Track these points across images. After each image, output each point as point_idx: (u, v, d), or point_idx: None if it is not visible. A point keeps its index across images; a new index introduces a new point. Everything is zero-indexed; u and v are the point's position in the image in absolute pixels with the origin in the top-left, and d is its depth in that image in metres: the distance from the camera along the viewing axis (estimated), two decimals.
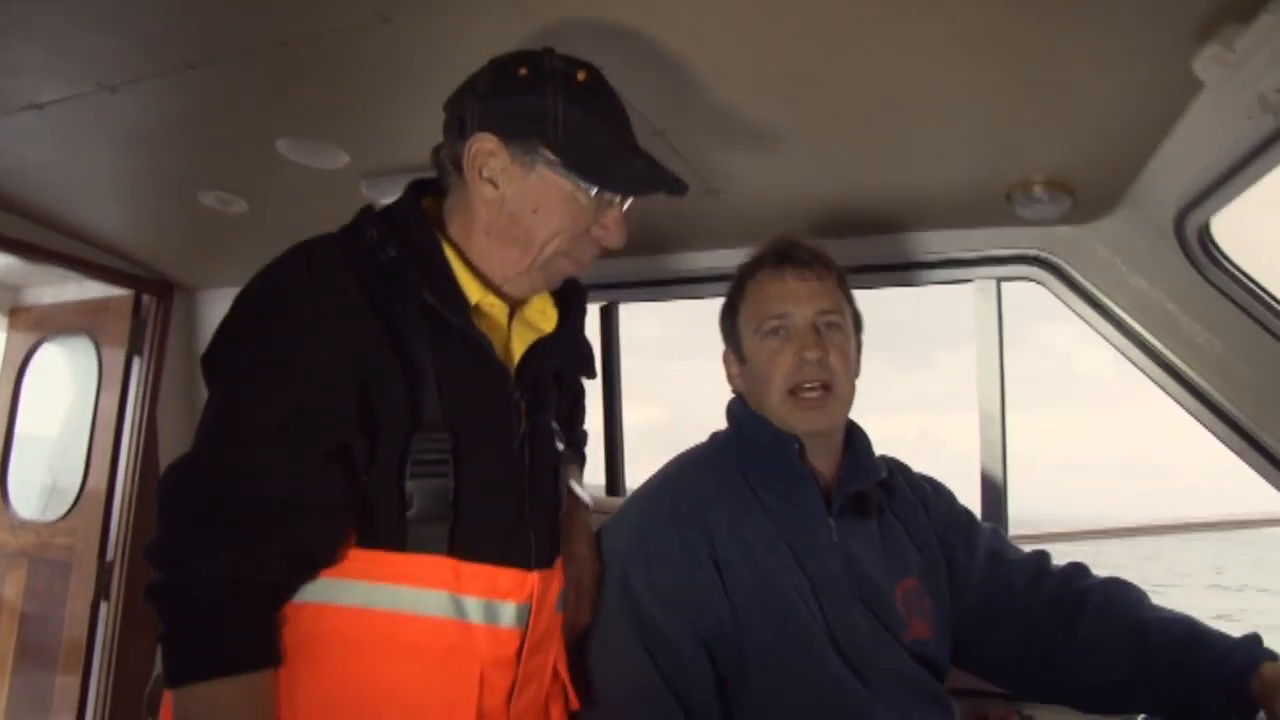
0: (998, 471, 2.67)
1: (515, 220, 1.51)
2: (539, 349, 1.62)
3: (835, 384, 1.85)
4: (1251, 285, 2.15)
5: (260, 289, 1.43)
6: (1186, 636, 1.80)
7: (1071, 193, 2.22)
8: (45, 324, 4.19)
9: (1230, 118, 1.66)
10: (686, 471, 1.97)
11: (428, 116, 1.67)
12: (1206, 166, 1.86)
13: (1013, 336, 2.70)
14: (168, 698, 1.35)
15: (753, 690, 1.74)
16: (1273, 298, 2.14)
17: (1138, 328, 2.42)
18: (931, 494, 2.11)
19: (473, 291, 1.52)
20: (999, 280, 2.64)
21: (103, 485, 3.77)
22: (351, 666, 1.38)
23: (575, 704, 1.69)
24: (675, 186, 1.57)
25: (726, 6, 1.63)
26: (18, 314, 4.29)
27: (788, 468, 1.87)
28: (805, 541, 1.84)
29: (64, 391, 4.21)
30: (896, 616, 1.86)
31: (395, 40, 1.82)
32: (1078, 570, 1.98)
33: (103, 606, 3.66)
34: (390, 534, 1.41)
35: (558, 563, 1.66)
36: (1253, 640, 1.75)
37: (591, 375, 1.83)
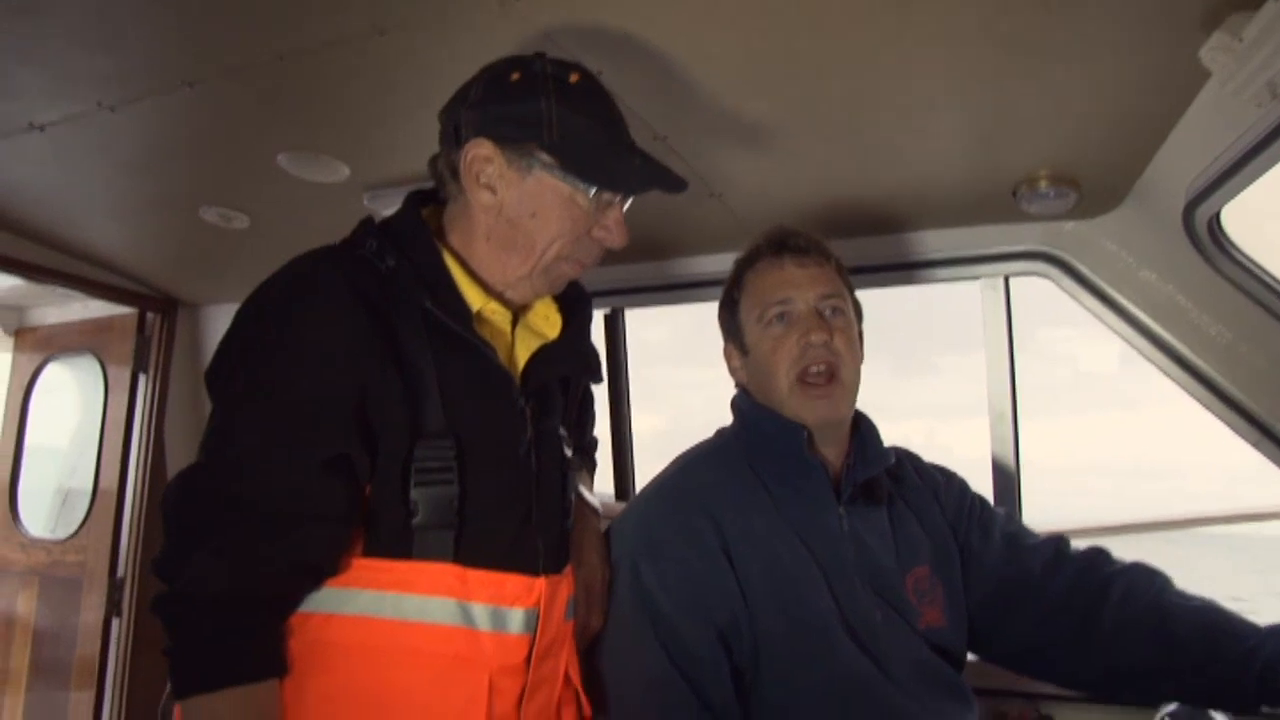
0: (1010, 469, 2.66)
1: (515, 225, 1.52)
2: (543, 355, 1.62)
3: (841, 368, 1.85)
4: (1263, 276, 2.13)
5: (258, 303, 1.43)
6: (1214, 624, 1.78)
7: (1078, 187, 2.20)
8: (51, 344, 4.20)
9: (1238, 106, 1.64)
10: (694, 466, 1.96)
11: (427, 127, 1.66)
12: (1215, 157, 1.85)
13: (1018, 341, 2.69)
14: (178, 711, 1.36)
15: (769, 681, 1.73)
16: None
17: (1148, 321, 2.41)
18: (943, 482, 2.10)
19: (474, 299, 1.52)
20: (1006, 277, 2.63)
21: (112, 502, 3.78)
22: (359, 675, 1.38)
23: (588, 710, 1.69)
24: (673, 183, 1.57)
25: (723, 9, 1.62)
26: (23, 334, 4.30)
27: (796, 458, 1.86)
28: (815, 531, 1.83)
29: (71, 410, 4.21)
30: (908, 605, 1.85)
31: (391, 52, 1.81)
32: (1099, 555, 1.96)
33: (115, 623, 3.67)
34: (395, 542, 1.41)
35: (567, 569, 1.65)
36: None
37: (598, 380, 1.83)
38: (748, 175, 2.31)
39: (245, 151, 2.35)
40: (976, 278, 2.65)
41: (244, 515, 1.31)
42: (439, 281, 1.49)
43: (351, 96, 2.02)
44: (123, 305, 3.79)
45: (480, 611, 1.44)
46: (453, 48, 1.78)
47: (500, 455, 1.51)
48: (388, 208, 2.49)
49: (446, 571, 1.42)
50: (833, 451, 1.91)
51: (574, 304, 1.71)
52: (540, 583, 1.51)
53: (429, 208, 1.63)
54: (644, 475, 3.19)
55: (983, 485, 2.63)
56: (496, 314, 1.57)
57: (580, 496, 1.83)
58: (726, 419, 2.05)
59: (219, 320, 3.83)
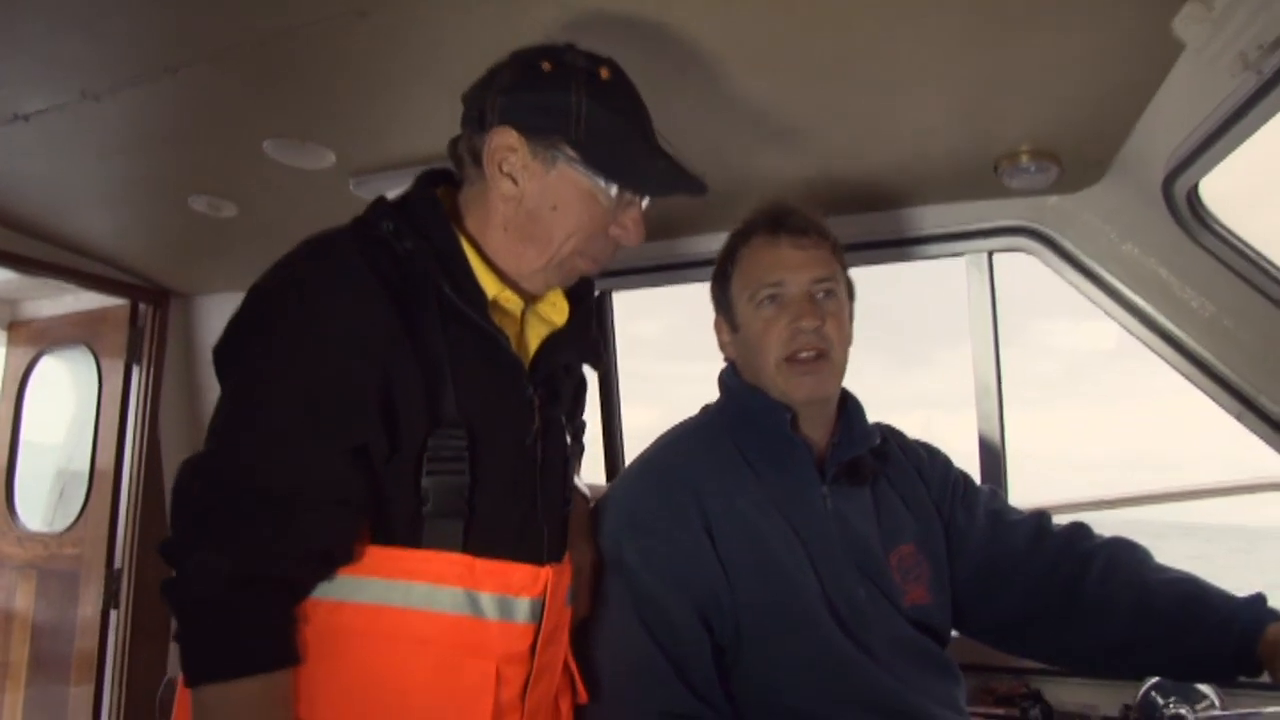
0: (996, 445, 2.67)
1: (534, 217, 1.50)
2: (552, 343, 1.61)
3: (831, 351, 1.85)
4: (1242, 247, 2.14)
5: (275, 283, 1.41)
6: (1192, 597, 1.80)
7: (1058, 161, 2.21)
8: (44, 337, 4.22)
9: (1213, 77, 1.66)
10: (678, 443, 1.97)
11: (413, 111, 1.67)
12: (1192, 128, 1.85)
13: (1007, 337, 2.70)
14: (180, 697, 1.36)
15: (751, 658, 1.74)
16: (1264, 259, 2.13)
17: (1131, 295, 2.42)
18: (927, 459, 2.11)
19: (490, 286, 1.51)
20: (990, 253, 2.64)
21: (108, 494, 3.79)
22: (368, 663, 1.37)
23: (583, 697, 1.70)
24: (696, 187, 1.56)
25: None
26: (16, 328, 4.31)
27: (780, 436, 1.87)
28: (799, 509, 1.84)
29: (66, 403, 4.23)
30: (892, 583, 1.86)
31: (374, 35, 1.81)
32: (1080, 530, 1.98)
33: (113, 614, 3.68)
34: (406, 531, 1.40)
35: (567, 556, 1.66)
36: (1258, 601, 1.75)
37: (598, 366, 1.82)
38: (733, 154, 2.31)
39: (231, 139, 2.35)
40: (961, 254, 2.66)
41: (258, 500, 1.29)
42: (456, 267, 1.47)
43: (335, 81, 2.03)
44: (115, 297, 3.80)
45: (488, 601, 1.43)
46: (436, 30, 1.78)
47: (509, 445, 1.51)
48: (374, 193, 2.47)
49: (455, 561, 1.41)
50: (818, 431, 1.92)
51: (579, 289, 1.70)
52: (546, 572, 1.51)
53: (441, 188, 1.60)
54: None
55: (977, 470, 2.65)
56: (510, 302, 1.55)
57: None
58: None
59: (212, 310, 3.83)
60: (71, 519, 3.92)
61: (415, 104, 1.63)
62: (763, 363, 1.88)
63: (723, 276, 1.99)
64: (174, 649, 1.32)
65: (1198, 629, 1.76)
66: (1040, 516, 2.03)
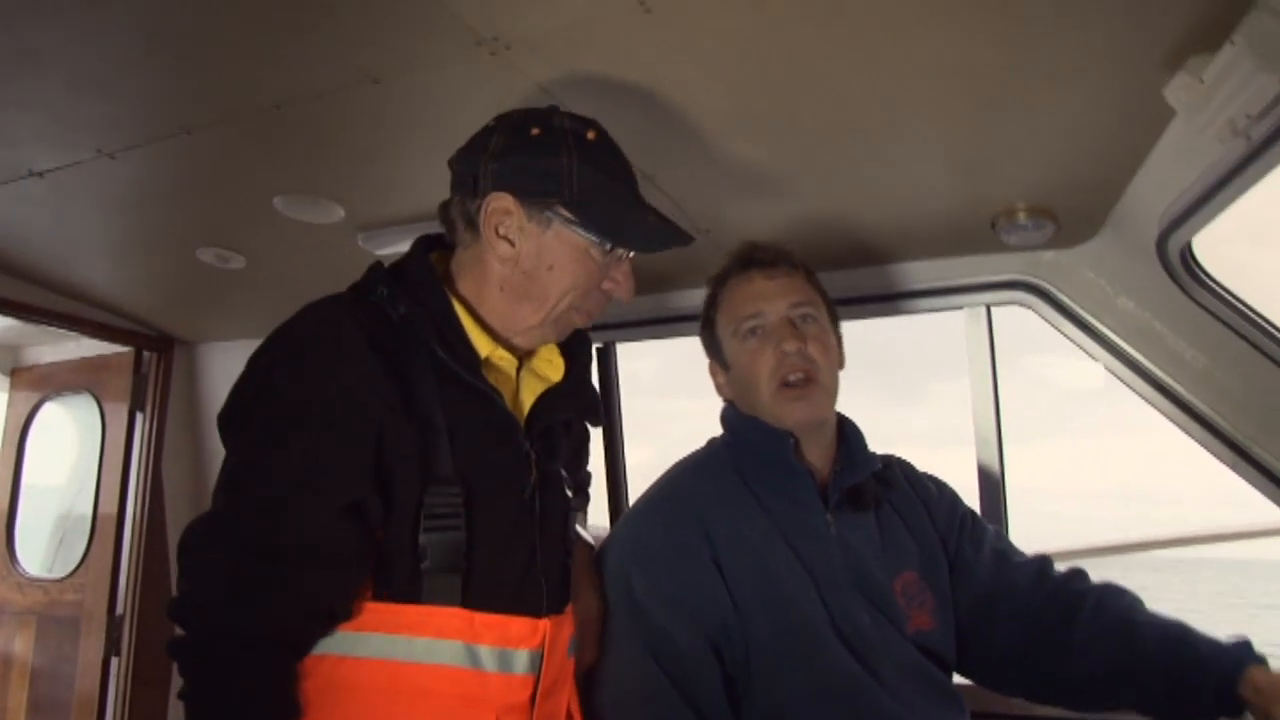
0: (996, 491, 2.69)
1: (530, 277, 1.55)
2: (548, 399, 1.65)
3: (818, 374, 1.89)
4: (1235, 302, 2.18)
5: (276, 350, 1.45)
6: (1177, 639, 1.82)
7: (1054, 218, 2.25)
8: (47, 383, 4.23)
9: (1203, 142, 1.70)
10: (683, 477, 2.01)
11: (419, 169, 1.72)
12: (1184, 189, 1.90)
13: (1001, 367, 2.73)
14: None
15: (760, 687, 1.76)
16: (1256, 313, 2.17)
17: (1126, 347, 2.45)
18: (934, 492, 2.13)
19: (483, 346, 1.55)
20: (989, 306, 2.68)
21: (110, 541, 3.80)
22: (369, 716, 1.40)
23: None
24: (683, 239, 1.61)
25: (705, 52, 1.67)
26: (19, 374, 4.33)
27: (783, 464, 1.90)
28: (803, 536, 1.87)
29: (68, 449, 4.24)
30: (896, 608, 1.88)
31: (385, 99, 1.86)
32: (1076, 574, 2.01)
33: (113, 662, 3.68)
34: (405, 586, 1.43)
35: (569, 608, 1.68)
36: (1242, 645, 1.78)
37: (598, 423, 1.85)
38: (734, 211, 2.36)
39: (242, 194, 2.39)
40: (959, 307, 2.70)
41: (263, 562, 1.33)
42: (449, 329, 1.51)
43: (346, 141, 2.07)
44: (119, 344, 3.82)
45: (487, 653, 1.46)
46: (445, 95, 1.83)
47: (506, 499, 1.54)
48: (381, 248, 2.54)
49: (454, 615, 1.43)
50: (819, 458, 1.95)
51: (576, 346, 1.74)
52: (544, 624, 1.53)
53: (435, 253, 1.66)
54: None
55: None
56: (503, 360, 1.60)
57: (576, 533, 1.86)
58: None
59: (215, 358, 3.87)
60: (73, 565, 3.92)
61: (422, 163, 1.68)
62: (756, 393, 1.93)
63: (708, 322, 2.06)
64: (175, 698, 1.35)
65: (1181, 667, 1.78)
66: (1043, 560, 2.05)
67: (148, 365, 3.90)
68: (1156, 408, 2.44)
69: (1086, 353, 2.51)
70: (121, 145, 2.10)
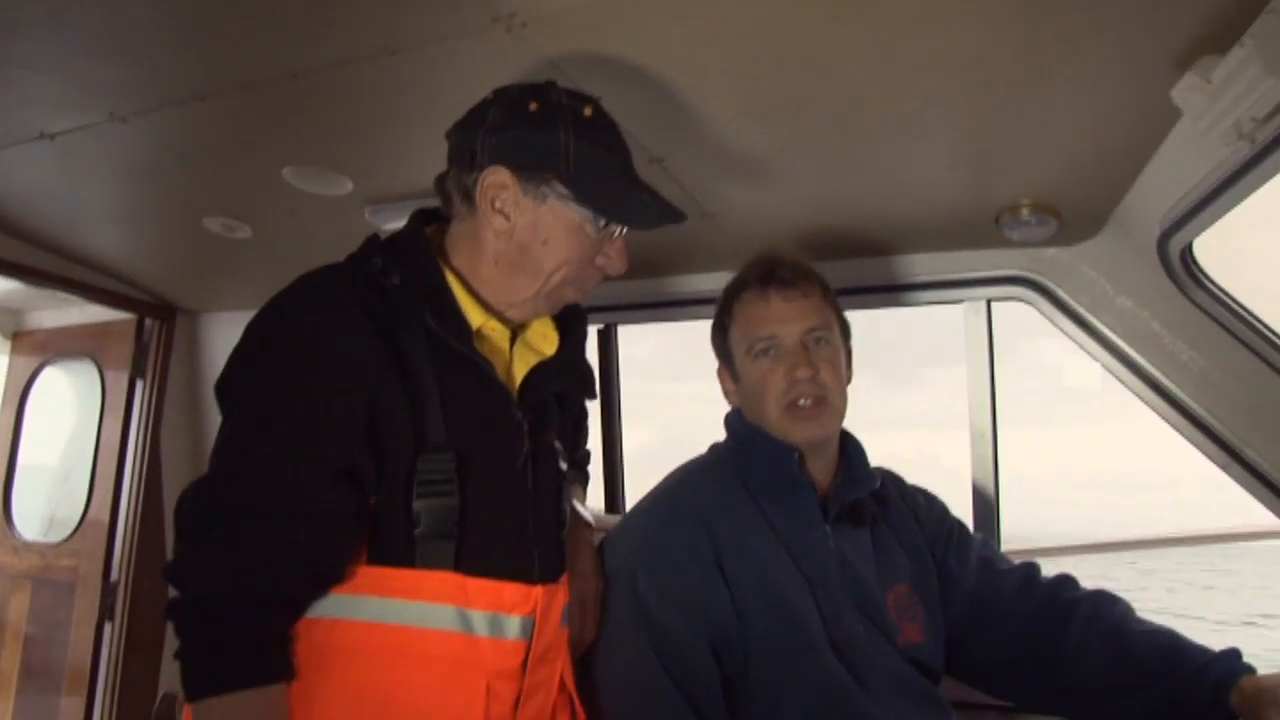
0: (989, 488, 2.71)
1: (525, 250, 1.57)
2: (540, 371, 1.67)
3: (829, 396, 1.91)
4: (1233, 305, 2.20)
5: (269, 318, 1.49)
6: (1168, 648, 1.85)
7: (1058, 215, 2.27)
8: (48, 347, 4.24)
9: (1208, 144, 1.71)
10: (690, 480, 2.03)
11: (429, 144, 1.72)
12: (1187, 191, 1.92)
13: (1002, 351, 2.74)
14: (186, 714, 1.39)
15: (756, 690, 1.79)
16: (1255, 318, 2.19)
17: (1124, 346, 2.47)
18: (924, 504, 2.17)
19: (475, 317, 1.58)
20: (989, 300, 2.70)
21: (106, 507, 3.81)
22: (362, 678, 1.43)
23: (582, 716, 1.74)
24: (676, 216, 1.63)
25: (719, 37, 1.68)
26: (20, 338, 4.34)
27: (788, 477, 1.92)
28: (803, 547, 1.90)
29: (67, 414, 4.24)
30: (888, 621, 1.91)
31: (399, 72, 1.86)
32: (1066, 581, 2.03)
33: (107, 627, 3.69)
34: (399, 551, 1.46)
35: (563, 578, 1.70)
36: (1232, 654, 1.80)
37: (592, 396, 1.88)
38: (740, 198, 2.37)
39: (252, 164, 2.40)
40: (959, 301, 2.72)
41: (258, 522, 1.36)
42: (441, 299, 1.54)
43: (359, 114, 2.07)
44: (121, 311, 3.82)
45: (479, 618, 1.48)
46: (459, 70, 1.83)
47: (498, 468, 1.56)
48: (388, 222, 2.54)
49: (447, 580, 1.46)
50: (821, 471, 1.98)
51: (570, 321, 1.76)
52: (536, 591, 1.56)
53: (432, 226, 1.68)
54: (633, 489, 3.26)
55: (967, 499, 2.69)
56: (496, 331, 1.62)
57: (574, 509, 1.88)
58: (714, 431, 2.12)
59: (217, 328, 3.88)
60: (69, 530, 3.93)
61: (433, 137, 1.68)
62: (764, 411, 1.95)
63: (721, 329, 2.07)
64: (167, 663, 1.37)
65: (1172, 677, 1.80)
66: (1029, 567, 2.09)
67: (150, 333, 3.91)
68: (1151, 407, 2.46)
69: (1085, 350, 2.53)
70: (133, 110, 2.10)
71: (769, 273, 1.98)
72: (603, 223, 1.58)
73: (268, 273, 3.01)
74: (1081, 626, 1.92)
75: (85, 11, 1.73)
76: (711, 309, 2.12)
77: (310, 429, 1.40)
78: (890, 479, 2.18)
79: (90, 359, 4.05)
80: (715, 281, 2.84)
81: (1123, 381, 2.50)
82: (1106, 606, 1.96)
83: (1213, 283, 2.21)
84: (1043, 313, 2.58)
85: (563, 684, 1.70)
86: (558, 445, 1.74)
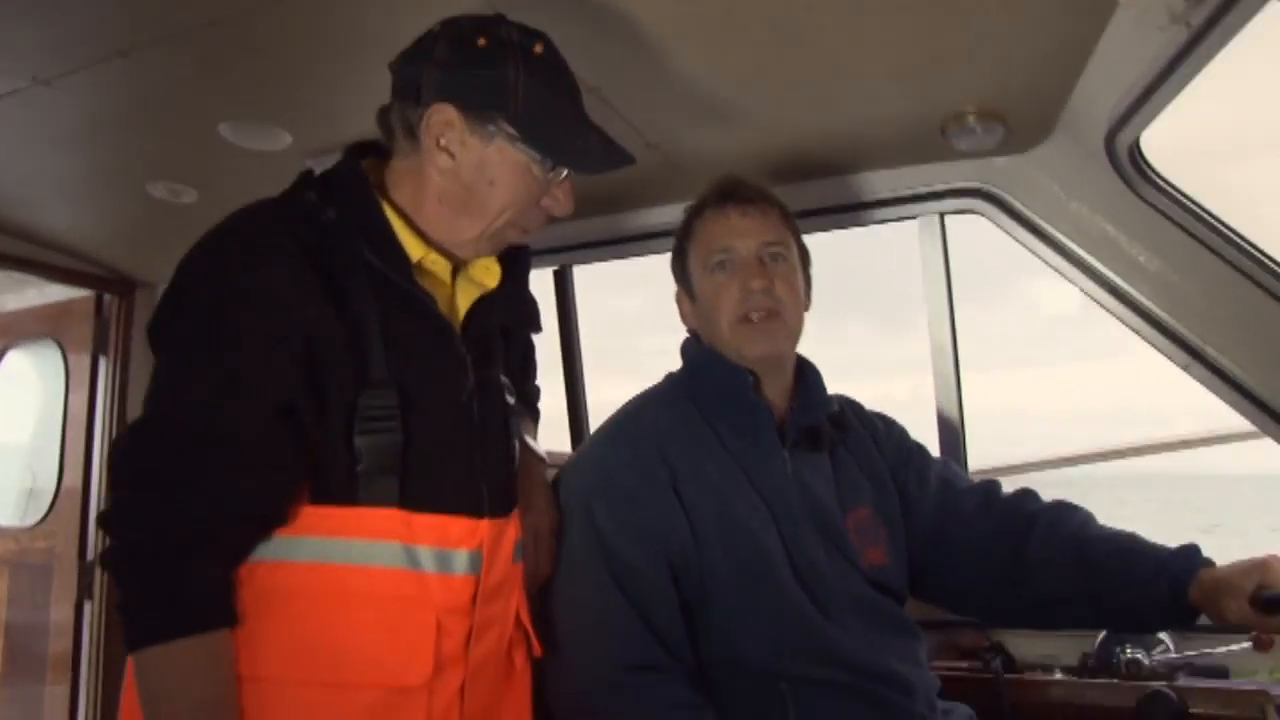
0: (953, 408, 2.71)
1: (470, 190, 1.54)
2: (483, 305, 1.65)
3: (782, 310, 1.91)
4: (1185, 201, 2.19)
5: (200, 256, 1.45)
6: (1128, 550, 1.86)
7: (1004, 121, 2.24)
8: (8, 331, 4.17)
9: (1144, 33, 1.69)
10: (644, 409, 2.02)
11: (365, 88, 1.68)
12: (1130, 84, 1.89)
13: (994, 295, 2.72)
14: (130, 672, 1.38)
15: (716, 615, 1.79)
16: (1206, 211, 2.18)
17: (1080, 252, 2.45)
18: (882, 429, 2.18)
19: (414, 249, 1.54)
20: (942, 216, 2.68)
21: (78, 486, 3.77)
22: (309, 620, 1.41)
23: (538, 651, 1.73)
24: (626, 160, 1.61)
25: None
26: None
27: (742, 400, 1.92)
28: (761, 472, 1.89)
29: (34, 396, 4.20)
30: (850, 544, 1.91)
31: (321, 12, 1.83)
32: (1026, 495, 2.04)
33: (87, 606, 3.67)
34: (342, 489, 1.43)
35: (513, 513, 1.69)
36: (1190, 550, 1.81)
37: (537, 330, 1.86)
38: (683, 125, 2.33)
39: (186, 122, 2.36)
40: (913, 217, 2.69)
41: (194, 465, 1.33)
42: (378, 232, 1.51)
43: (287, 61, 2.04)
44: (79, 288, 3.77)
45: (425, 554, 1.47)
46: (385, 5, 1.79)
47: (442, 402, 1.54)
48: None
49: (391, 516, 1.44)
50: (777, 396, 1.98)
51: (512, 255, 1.73)
52: (483, 524, 1.55)
53: (369, 160, 1.64)
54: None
55: (986, 437, 2.68)
56: (437, 264, 1.59)
57: (525, 444, 1.87)
58: None
59: None
60: (42, 513, 3.90)
61: (368, 80, 1.64)
62: (718, 326, 1.94)
63: (680, 252, 2.07)
64: None
65: (1132, 578, 1.81)
66: (989, 484, 2.10)
67: (109, 309, 3.85)
68: (1112, 312, 2.45)
69: (1042, 259, 2.51)
70: (57, 71, 2.06)
71: (728, 192, 1.99)
72: (550, 164, 1.55)
73: None
74: (1042, 538, 1.93)
75: None
76: (666, 243, 2.11)
77: (242, 369, 1.37)
78: (849, 405, 2.18)
79: (52, 339, 3.99)
80: (667, 214, 2.82)
81: (1081, 289, 2.48)
82: (1066, 515, 1.97)
83: (1163, 179, 2.19)
84: (997, 224, 2.55)
85: (518, 620, 1.69)
86: (504, 379, 1.72)
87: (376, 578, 1.43)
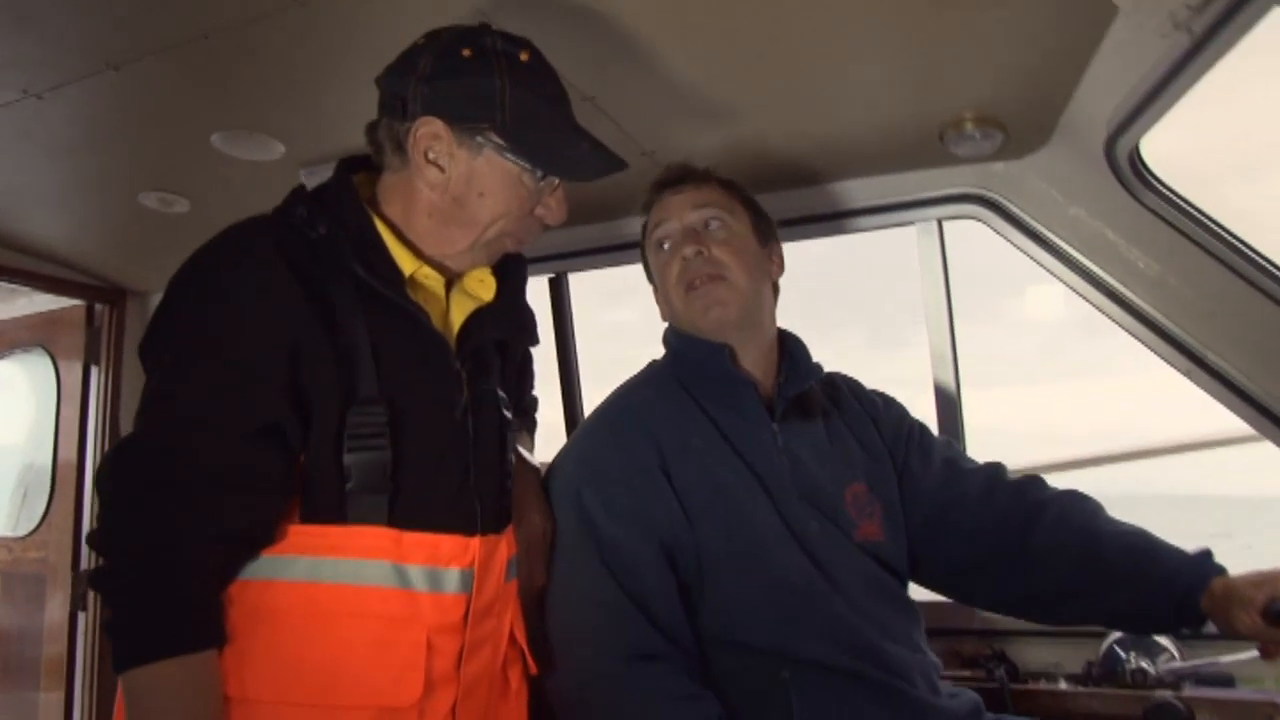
0: (954, 413, 2.69)
1: (460, 203, 1.53)
2: (478, 318, 1.64)
3: (726, 273, 1.93)
4: (1184, 205, 2.17)
5: (188, 273, 1.44)
6: (1140, 549, 1.83)
7: (1003, 127, 2.23)
8: None
9: (1146, 39, 1.68)
10: (629, 394, 2.03)
11: (357, 97, 1.67)
12: (1130, 90, 1.88)
13: (991, 309, 2.78)
14: (120, 692, 1.36)
15: (713, 594, 1.79)
16: (1205, 215, 2.17)
17: (1079, 257, 2.44)
18: (882, 407, 2.17)
19: (406, 264, 1.53)
20: (940, 221, 2.66)
21: (71, 496, 3.76)
22: (299, 639, 1.39)
23: (534, 669, 1.72)
24: (618, 166, 1.59)
25: None
26: None
27: (722, 374, 1.93)
28: (751, 446, 1.90)
29: (25, 407, 4.19)
30: (845, 516, 1.91)
31: (312, 22, 1.81)
32: (1034, 482, 2.02)
33: (80, 617, 3.67)
34: (330, 508, 1.42)
35: (507, 529, 1.67)
36: (1204, 555, 1.79)
37: (535, 342, 1.85)
38: (678, 132, 2.32)
39: (179, 133, 2.34)
40: (910, 223, 2.68)
41: (180, 486, 1.32)
42: (370, 247, 1.50)
43: (280, 72, 2.03)
44: (70, 298, 3.75)
45: (416, 573, 1.46)
46: (375, 16, 1.78)
47: (435, 418, 1.53)
48: None
49: (381, 535, 1.43)
50: (760, 369, 1.99)
51: (508, 267, 1.72)
52: (475, 542, 1.54)
53: (360, 174, 1.63)
54: None
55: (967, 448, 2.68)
56: (430, 278, 1.58)
57: (521, 456, 1.85)
58: None
59: None
60: (35, 523, 3.88)
61: (360, 89, 1.63)
62: (673, 303, 1.99)
63: (643, 250, 2.13)
64: None
65: (1144, 579, 1.79)
66: (995, 467, 2.07)
67: (100, 318, 3.83)
68: (1111, 318, 2.44)
69: (1040, 265, 2.50)
70: (48, 85, 2.05)
71: (663, 179, 2.06)
72: (541, 173, 1.54)
73: None
74: (1050, 528, 1.91)
75: None
76: None
77: (228, 388, 1.36)
78: (847, 382, 2.19)
79: (43, 349, 3.97)
80: None
81: (1081, 294, 2.48)
82: (1076, 506, 1.94)
83: (1162, 184, 2.17)
84: (996, 230, 2.54)
85: (513, 638, 1.68)
86: (500, 394, 1.70)
87: (367, 597, 1.42)
